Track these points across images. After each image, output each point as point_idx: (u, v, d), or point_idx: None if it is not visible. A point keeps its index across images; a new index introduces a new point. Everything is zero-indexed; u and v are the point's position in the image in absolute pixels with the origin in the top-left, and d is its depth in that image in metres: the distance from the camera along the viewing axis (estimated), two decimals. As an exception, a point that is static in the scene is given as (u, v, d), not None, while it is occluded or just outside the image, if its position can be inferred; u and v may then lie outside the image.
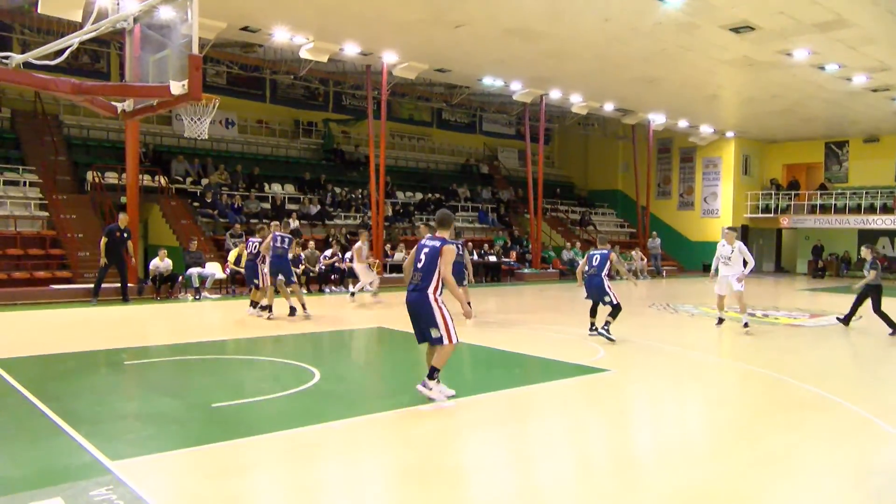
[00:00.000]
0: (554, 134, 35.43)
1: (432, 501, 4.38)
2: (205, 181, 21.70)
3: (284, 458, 5.22)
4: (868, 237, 29.98)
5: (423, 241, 6.71)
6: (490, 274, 23.77)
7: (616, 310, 10.47)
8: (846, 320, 12.89)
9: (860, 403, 7.07)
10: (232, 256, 17.10)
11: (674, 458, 5.49)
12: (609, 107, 26.57)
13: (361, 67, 21.81)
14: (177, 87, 6.04)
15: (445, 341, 6.44)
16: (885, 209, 28.60)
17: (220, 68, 23.08)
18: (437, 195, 27.86)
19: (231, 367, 8.82)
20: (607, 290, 10.51)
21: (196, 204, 20.74)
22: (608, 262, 10.69)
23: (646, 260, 28.07)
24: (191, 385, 7.66)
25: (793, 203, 31.56)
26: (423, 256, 6.55)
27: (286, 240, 12.62)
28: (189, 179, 21.73)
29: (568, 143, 36.79)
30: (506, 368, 9.28)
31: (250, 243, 13.55)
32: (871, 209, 29.19)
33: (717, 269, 12.31)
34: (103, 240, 15.10)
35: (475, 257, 23.99)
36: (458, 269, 12.90)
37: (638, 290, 19.81)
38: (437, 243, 6.54)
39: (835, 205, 30.19)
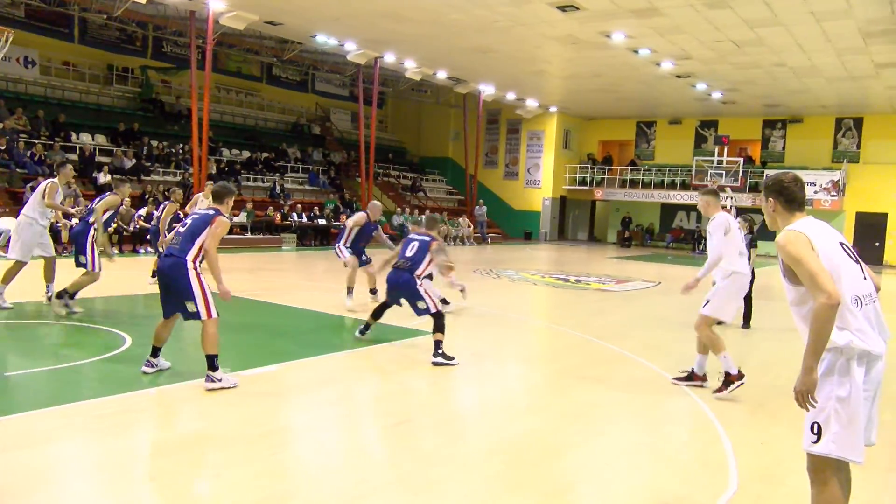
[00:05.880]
0: (388, 98, 35.33)
1: (255, 467, 4.28)
2: (-2, 126, 19.37)
3: (88, 428, 4.84)
4: (669, 211, 33.11)
5: (195, 210, 6.41)
6: (319, 237, 23.45)
7: (438, 320, 7.34)
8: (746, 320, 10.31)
9: (653, 360, 7.85)
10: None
11: (494, 414, 5.77)
12: (442, 74, 26.92)
13: (185, 13, 20.37)
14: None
15: (203, 316, 5.77)
16: (684, 186, 31.58)
17: (16, -1, 20.57)
18: (266, 154, 26.90)
19: (30, 333, 8.01)
20: (421, 294, 7.39)
21: (-13, 151, 18.49)
22: (428, 255, 7.60)
23: (472, 227, 29.23)
24: (-21, 352, 6.86)
25: (606, 177, 33.94)
26: (188, 221, 5.99)
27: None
28: (-22, 123, 19.29)
29: (401, 108, 36.91)
30: (328, 332, 9.25)
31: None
32: (673, 185, 32.12)
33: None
34: None
35: (304, 219, 23.55)
36: (366, 236, 10.77)
37: (464, 255, 20.36)
38: (211, 212, 5.98)
39: (642, 180, 32.87)
